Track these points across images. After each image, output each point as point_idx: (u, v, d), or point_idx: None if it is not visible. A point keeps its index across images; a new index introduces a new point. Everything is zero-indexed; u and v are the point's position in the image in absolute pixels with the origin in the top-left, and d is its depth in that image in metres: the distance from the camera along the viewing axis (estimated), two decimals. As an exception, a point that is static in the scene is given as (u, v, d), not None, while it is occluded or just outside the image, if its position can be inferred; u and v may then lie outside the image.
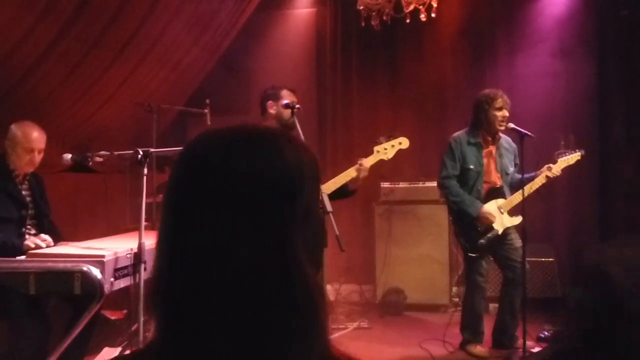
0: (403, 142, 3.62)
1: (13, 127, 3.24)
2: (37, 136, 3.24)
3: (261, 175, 0.71)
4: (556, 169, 3.95)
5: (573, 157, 4.00)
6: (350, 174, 3.52)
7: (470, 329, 4.08)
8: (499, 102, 3.87)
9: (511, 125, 3.79)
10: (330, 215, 2.92)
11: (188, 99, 5.79)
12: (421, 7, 4.09)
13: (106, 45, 4.31)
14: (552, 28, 5.41)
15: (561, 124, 5.22)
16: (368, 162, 3.55)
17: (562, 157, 3.99)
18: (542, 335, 4.21)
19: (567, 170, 4.05)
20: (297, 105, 3.44)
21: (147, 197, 2.94)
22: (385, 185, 5.40)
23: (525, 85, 5.33)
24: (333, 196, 3.40)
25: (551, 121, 5.20)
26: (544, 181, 3.93)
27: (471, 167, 3.97)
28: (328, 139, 5.95)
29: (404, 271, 5.23)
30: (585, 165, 4.35)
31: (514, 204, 3.96)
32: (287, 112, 3.45)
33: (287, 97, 3.48)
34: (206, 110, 4.74)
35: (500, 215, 3.95)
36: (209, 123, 4.74)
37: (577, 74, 5.33)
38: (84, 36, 4.09)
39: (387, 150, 3.59)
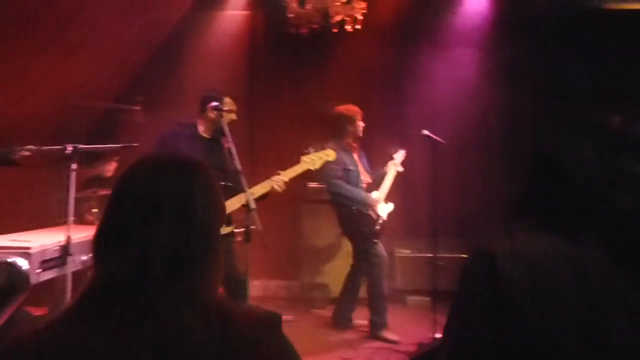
0: (330, 155, 3.96)
1: None
2: None
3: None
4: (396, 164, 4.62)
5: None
6: (266, 186, 3.61)
7: (380, 313, 4.39)
8: (360, 117, 4.58)
9: (425, 132, 4.14)
10: (254, 212, 3.11)
11: (119, 94, 5.74)
12: (347, 18, 4.35)
13: (29, 35, 4.22)
14: (469, 34, 5.60)
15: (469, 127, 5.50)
16: (295, 170, 3.74)
17: (395, 153, 4.68)
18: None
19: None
20: (227, 109, 3.60)
21: (74, 192, 3.00)
22: (312, 185, 5.62)
23: (443, 92, 5.58)
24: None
25: (462, 125, 5.44)
26: (395, 173, 4.60)
27: (351, 168, 4.55)
28: (258, 141, 6.04)
29: (329, 267, 5.49)
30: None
31: (384, 195, 4.55)
32: (218, 116, 3.58)
33: (226, 105, 3.64)
34: (137, 107, 4.77)
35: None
36: (140, 119, 4.77)
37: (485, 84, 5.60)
38: (3, 26, 4.00)
39: (314, 160, 3.83)
